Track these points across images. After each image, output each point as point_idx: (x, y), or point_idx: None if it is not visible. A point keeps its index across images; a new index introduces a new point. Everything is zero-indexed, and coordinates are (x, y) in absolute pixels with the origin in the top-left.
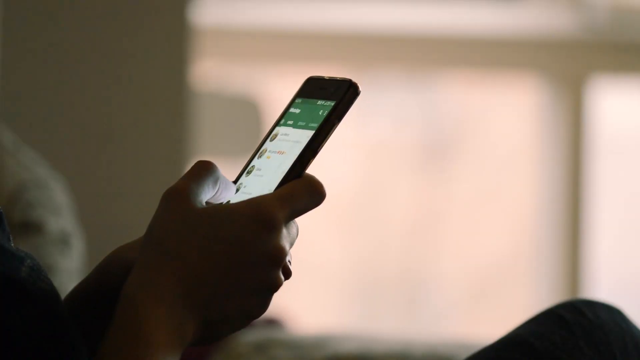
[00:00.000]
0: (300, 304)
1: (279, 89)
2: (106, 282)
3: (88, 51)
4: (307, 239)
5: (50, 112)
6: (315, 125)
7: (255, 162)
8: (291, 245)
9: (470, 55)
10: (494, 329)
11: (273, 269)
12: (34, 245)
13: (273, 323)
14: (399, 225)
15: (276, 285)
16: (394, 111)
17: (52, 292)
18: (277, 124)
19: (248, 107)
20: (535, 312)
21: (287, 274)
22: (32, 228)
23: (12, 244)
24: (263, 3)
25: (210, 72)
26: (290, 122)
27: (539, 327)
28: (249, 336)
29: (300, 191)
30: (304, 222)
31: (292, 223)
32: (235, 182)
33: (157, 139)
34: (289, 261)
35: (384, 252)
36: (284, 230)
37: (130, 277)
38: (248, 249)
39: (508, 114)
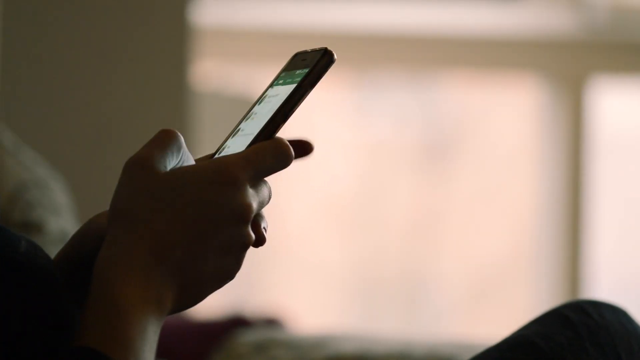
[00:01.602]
0: (300, 304)
1: None
2: (82, 249)
3: (88, 51)
4: (307, 239)
5: (50, 112)
6: (289, 92)
7: (241, 125)
8: (261, 205)
9: (470, 55)
10: (494, 329)
11: (241, 225)
12: None
13: (273, 323)
14: (399, 225)
15: (246, 243)
16: (394, 111)
17: (50, 267)
18: (263, 93)
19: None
20: (540, 313)
21: (260, 237)
22: (32, 228)
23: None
24: (263, 3)
25: (210, 72)
26: (272, 92)
27: (544, 327)
28: (249, 336)
29: (265, 151)
30: (304, 223)
31: (262, 184)
32: (221, 146)
33: None
34: (264, 228)
35: (384, 252)
36: (250, 189)
37: (101, 252)
38: (213, 208)
39: (508, 114)
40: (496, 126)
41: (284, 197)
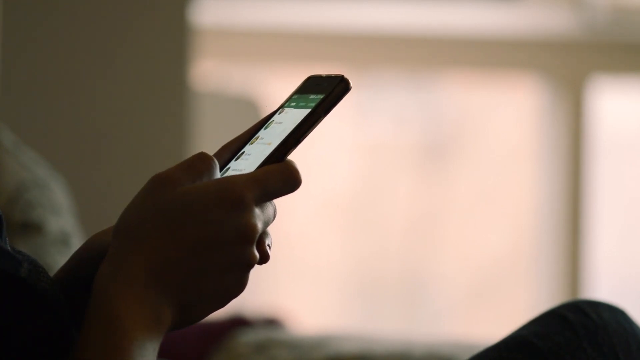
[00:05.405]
0: (300, 304)
1: (279, 89)
2: (83, 267)
3: (88, 51)
4: (307, 239)
5: (50, 112)
6: (302, 116)
7: (245, 148)
8: (266, 224)
9: (470, 55)
10: (494, 329)
11: (245, 246)
12: (34, 245)
13: (273, 323)
14: (399, 225)
15: (250, 263)
16: (394, 111)
17: (53, 290)
18: (272, 115)
19: (248, 107)
20: (538, 313)
21: (264, 255)
22: (32, 228)
23: (9, 248)
24: (263, 3)
25: (210, 72)
26: (283, 114)
27: (542, 327)
28: (249, 336)
29: (274, 174)
30: (304, 223)
31: (268, 204)
32: (224, 166)
33: (157, 139)
34: (269, 245)
35: (384, 252)
36: (256, 210)
37: (102, 267)
38: (217, 228)
39: (508, 114)
40: (496, 126)
41: (284, 197)
